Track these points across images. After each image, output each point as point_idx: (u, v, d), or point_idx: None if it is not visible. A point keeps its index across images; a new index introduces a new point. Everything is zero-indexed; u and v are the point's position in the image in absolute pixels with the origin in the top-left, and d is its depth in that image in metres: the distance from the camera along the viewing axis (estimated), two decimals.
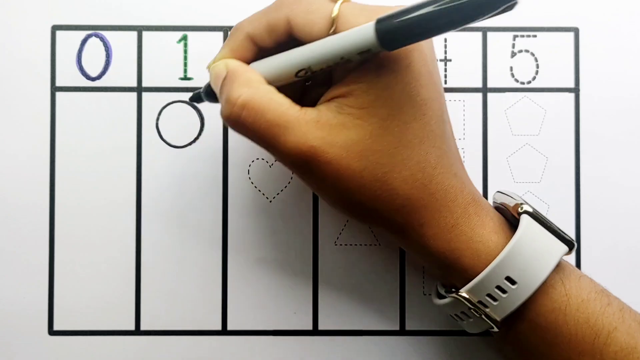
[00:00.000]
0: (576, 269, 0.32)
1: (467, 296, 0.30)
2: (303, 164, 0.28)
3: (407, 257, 0.38)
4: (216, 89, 0.30)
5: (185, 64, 0.38)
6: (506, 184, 0.38)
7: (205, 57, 0.38)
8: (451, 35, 0.38)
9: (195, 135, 0.38)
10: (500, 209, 0.32)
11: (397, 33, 0.26)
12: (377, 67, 0.28)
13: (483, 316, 0.30)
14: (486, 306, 0.30)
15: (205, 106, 0.38)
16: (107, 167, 0.38)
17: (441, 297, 0.33)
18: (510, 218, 0.32)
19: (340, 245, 0.38)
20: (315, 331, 0.37)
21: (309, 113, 0.29)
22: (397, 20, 0.26)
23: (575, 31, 0.38)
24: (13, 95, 0.38)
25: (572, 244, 0.31)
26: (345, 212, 0.31)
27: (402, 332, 0.37)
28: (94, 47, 0.38)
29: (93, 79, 0.38)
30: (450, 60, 0.38)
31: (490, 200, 0.35)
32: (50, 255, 0.37)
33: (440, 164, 0.30)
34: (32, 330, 0.37)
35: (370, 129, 0.28)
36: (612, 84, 0.38)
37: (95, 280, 0.37)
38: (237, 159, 0.38)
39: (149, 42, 0.38)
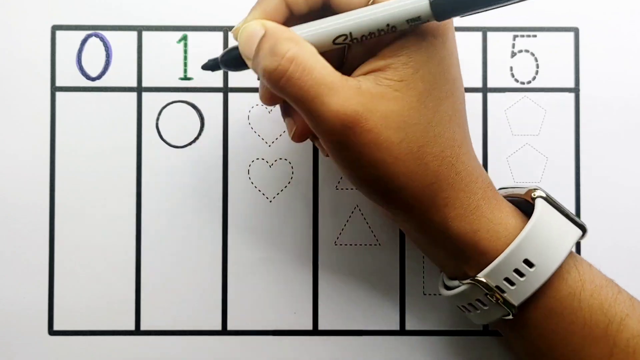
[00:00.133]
0: (585, 260, 0.32)
1: (485, 280, 0.30)
2: (343, 130, 0.28)
3: (407, 257, 0.38)
4: (250, 48, 0.29)
5: (185, 64, 0.38)
6: (506, 184, 0.38)
7: (206, 57, 0.38)
8: None
9: (195, 135, 0.38)
10: (510, 199, 0.33)
11: (450, 2, 0.26)
12: (416, 40, 0.28)
13: (500, 302, 0.30)
14: (503, 291, 0.30)
15: (205, 106, 0.38)
16: (107, 167, 0.38)
17: (448, 288, 0.33)
18: (522, 206, 0.32)
19: (340, 245, 0.38)
20: (315, 331, 0.37)
21: (350, 80, 0.28)
22: None
23: (575, 31, 0.38)
24: (13, 95, 0.38)
25: (585, 229, 0.31)
26: (373, 189, 0.30)
27: (402, 332, 0.37)
28: (94, 47, 0.38)
29: (93, 79, 0.38)
30: None
31: None
32: (50, 255, 0.37)
33: (465, 144, 0.30)
34: (32, 330, 0.37)
35: (409, 101, 0.28)
36: (612, 84, 0.38)
37: (95, 280, 0.37)
38: (237, 159, 0.38)
39: (149, 42, 0.38)
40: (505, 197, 0.33)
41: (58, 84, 0.38)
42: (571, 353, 0.30)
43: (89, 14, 0.38)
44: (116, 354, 0.37)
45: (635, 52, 0.38)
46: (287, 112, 0.32)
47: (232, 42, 0.39)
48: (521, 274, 0.30)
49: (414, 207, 0.30)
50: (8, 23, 0.38)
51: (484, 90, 0.38)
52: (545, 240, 0.30)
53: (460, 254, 0.31)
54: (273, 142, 0.38)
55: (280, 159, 0.38)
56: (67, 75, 0.38)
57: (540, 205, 0.31)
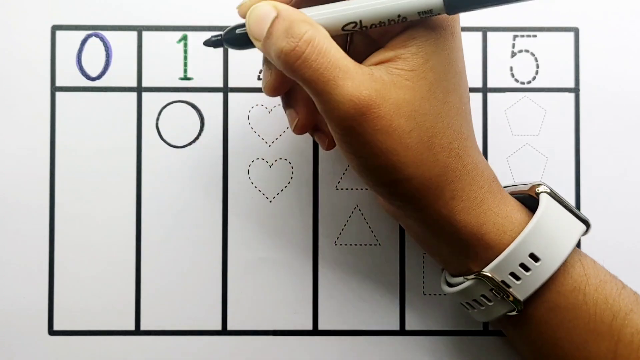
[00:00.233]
0: (589, 256, 0.32)
1: (491, 275, 0.30)
2: (356, 115, 0.27)
3: (407, 257, 0.38)
4: (261, 29, 0.28)
5: (185, 64, 0.38)
6: (506, 184, 0.38)
7: (206, 57, 0.38)
8: None
9: (195, 135, 0.38)
10: (514, 196, 0.33)
11: None
12: (426, 31, 0.29)
13: (505, 297, 0.30)
14: (509, 286, 0.30)
15: (205, 106, 0.38)
16: (107, 167, 0.38)
17: (450, 286, 0.33)
18: (527, 201, 0.32)
19: (340, 245, 0.38)
20: (315, 331, 0.37)
21: (362, 67, 0.28)
22: None
23: (575, 31, 0.38)
24: (13, 95, 0.38)
25: (589, 224, 0.31)
26: (381, 179, 0.30)
27: (402, 332, 0.37)
28: (94, 47, 0.38)
29: (93, 79, 0.38)
30: None
31: None
32: (50, 255, 0.37)
33: (470, 138, 0.31)
34: (32, 330, 0.37)
35: (420, 91, 0.28)
36: (612, 84, 0.38)
37: (95, 280, 0.37)
38: (237, 159, 0.38)
39: (149, 42, 0.38)
40: (510, 193, 0.33)
41: (58, 84, 0.38)
42: (575, 348, 0.30)
43: (89, 14, 0.38)
44: (116, 354, 0.37)
45: (635, 52, 0.38)
46: (288, 104, 0.32)
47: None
48: (527, 268, 0.30)
49: (420, 199, 0.30)
50: (8, 23, 0.38)
51: (484, 90, 0.38)
52: (550, 234, 0.30)
53: (465, 248, 0.31)
54: (273, 142, 0.38)
55: (280, 159, 0.38)
56: (67, 75, 0.38)
57: (545, 200, 0.31)
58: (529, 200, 0.32)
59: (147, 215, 0.38)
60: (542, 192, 0.31)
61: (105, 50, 0.38)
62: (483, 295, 0.31)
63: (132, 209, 0.38)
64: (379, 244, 0.38)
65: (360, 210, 0.38)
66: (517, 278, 0.30)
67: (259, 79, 0.38)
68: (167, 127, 0.38)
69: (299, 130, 0.32)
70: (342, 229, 0.38)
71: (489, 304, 0.31)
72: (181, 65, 0.38)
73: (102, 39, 0.38)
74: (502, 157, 0.38)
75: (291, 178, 0.38)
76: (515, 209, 0.31)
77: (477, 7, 0.27)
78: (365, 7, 0.28)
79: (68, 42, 0.38)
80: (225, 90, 0.38)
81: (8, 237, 0.37)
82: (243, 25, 0.29)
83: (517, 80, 0.38)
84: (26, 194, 0.38)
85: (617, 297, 0.30)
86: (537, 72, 0.38)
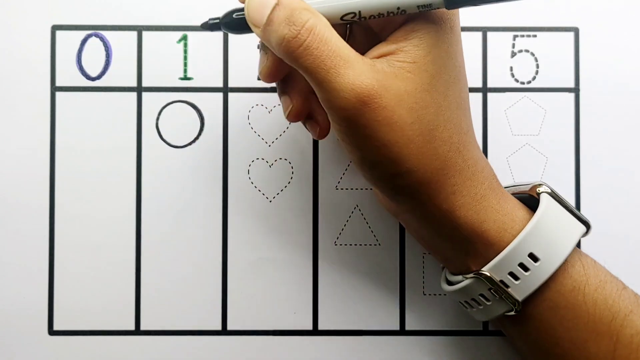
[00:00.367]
0: (589, 255, 0.32)
1: (490, 274, 0.30)
2: (358, 105, 0.27)
3: (407, 257, 0.38)
4: (261, 16, 0.28)
5: (185, 64, 0.38)
6: (506, 184, 0.38)
7: (206, 57, 0.38)
8: None
9: (195, 135, 0.38)
10: (514, 195, 0.33)
11: None
12: (426, 24, 0.29)
13: (504, 297, 0.30)
14: (507, 286, 0.30)
15: (205, 106, 0.38)
16: (107, 167, 0.38)
17: (450, 284, 0.33)
18: (527, 201, 0.32)
19: (340, 245, 0.38)
20: (315, 331, 0.37)
21: (364, 57, 0.28)
22: None
23: (575, 31, 0.38)
24: (13, 95, 0.38)
25: (589, 225, 0.31)
26: (381, 172, 0.30)
27: (401, 332, 0.37)
28: (94, 47, 0.38)
29: (93, 79, 0.38)
30: None
31: None
32: (50, 255, 0.37)
33: (470, 133, 0.31)
34: (32, 330, 0.37)
35: (421, 83, 0.28)
36: (612, 84, 0.38)
37: (95, 280, 0.37)
38: (237, 159, 0.38)
39: (149, 42, 0.38)
40: (510, 193, 0.33)
41: (58, 84, 0.38)
42: (574, 347, 0.30)
43: (89, 14, 0.38)
44: (116, 354, 0.37)
45: (635, 52, 0.38)
46: (284, 90, 0.32)
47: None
48: (526, 268, 0.30)
49: (421, 193, 0.29)
50: (8, 23, 0.38)
51: (484, 90, 0.38)
52: (550, 234, 0.30)
53: (465, 245, 0.31)
54: (273, 142, 0.38)
55: (280, 159, 0.38)
56: (67, 75, 0.38)
57: (545, 200, 0.31)
58: (529, 201, 0.32)
59: (147, 215, 0.38)
60: (542, 192, 0.31)
61: (105, 50, 0.38)
62: (482, 295, 0.31)
63: (132, 209, 0.38)
64: (379, 244, 0.38)
65: (360, 210, 0.38)
66: (516, 278, 0.30)
67: (259, 79, 0.38)
68: (167, 127, 0.38)
69: (292, 117, 0.32)
70: (342, 229, 0.38)
71: (488, 303, 0.31)
72: (181, 65, 0.38)
73: (102, 39, 0.38)
74: (502, 157, 0.38)
75: (291, 178, 0.38)
76: (516, 207, 0.31)
77: (476, 3, 0.27)
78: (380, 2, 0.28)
79: (68, 42, 0.38)
80: (225, 90, 0.38)
81: (8, 237, 0.37)
82: (241, 10, 0.29)
83: (517, 80, 0.38)
84: (26, 194, 0.38)
85: (617, 297, 0.30)
86: (537, 72, 0.38)
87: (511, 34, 0.38)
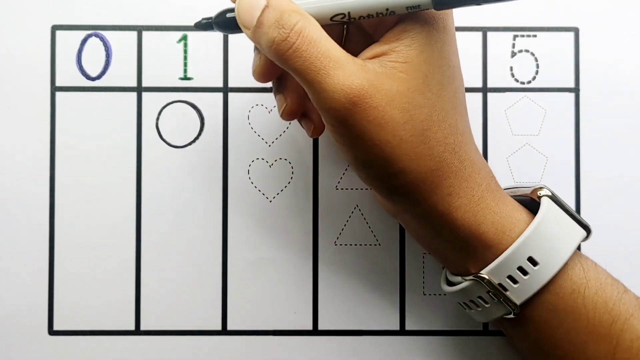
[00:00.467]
0: (589, 257, 0.32)
1: (488, 277, 0.30)
2: (348, 105, 0.27)
3: (407, 257, 0.38)
4: (251, 18, 0.28)
5: (185, 64, 0.38)
6: (506, 184, 0.38)
7: (206, 57, 0.38)
8: None
9: (195, 135, 0.38)
10: (515, 197, 0.32)
11: None
12: (418, 24, 0.29)
13: (502, 300, 0.30)
14: (506, 289, 0.30)
15: (205, 106, 0.38)
16: (107, 167, 0.38)
17: (450, 284, 0.33)
18: (527, 204, 0.32)
19: (340, 245, 0.38)
20: (315, 331, 0.37)
21: (354, 58, 0.28)
22: None
23: (575, 31, 0.38)
24: (13, 95, 0.38)
25: (590, 230, 0.31)
26: (375, 172, 0.29)
27: (401, 332, 0.37)
28: (94, 47, 0.38)
29: (93, 79, 0.38)
30: None
31: None
32: (50, 255, 0.37)
33: (467, 134, 0.30)
34: (32, 330, 0.37)
35: (414, 83, 0.28)
36: (612, 84, 0.38)
37: (95, 280, 0.37)
38: (237, 159, 0.38)
39: (149, 42, 0.38)
40: (510, 195, 0.33)
41: (58, 84, 0.38)
42: (574, 350, 0.30)
43: (89, 14, 0.38)
44: (116, 354, 0.37)
45: (635, 52, 0.38)
46: (278, 89, 0.32)
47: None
48: (525, 272, 0.30)
49: (416, 193, 0.29)
50: (8, 23, 0.38)
51: (484, 90, 0.38)
52: (550, 238, 0.30)
53: (464, 247, 0.30)
54: (273, 142, 0.38)
55: (280, 159, 0.38)
56: (67, 75, 0.38)
57: (546, 204, 0.31)
58: (529, 203, 0.32)
59: (147, 215, 0.38)
60: (543, 195, 0.31)
61: (105, 50, 0.38)
62: (480, 297, 0.31)
63: (132, 209, 0.38)
64: (379, 244, 0.38)
65: (360, 210, 0.38)
66: (515, 281, 0.30)
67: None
68: (167, 127, 0.38)
69: (286, 115, 0.32)
70: (342, 229, 0.38)
71: (486, 305, 0.31)
72: (181, 65, 0.38)
73: (102, 39, 0.38)
74: (502, 157, 0.38)
75: (291, 178, 0.38)
76: (515, 209, 0.31)
77: (464, 4, 0.27)
78: (354, 0, 0.28)
79: (68, 42, 0.38)
80: (225, 90, 0.38)
81: (8, 237, 0.37)
82: (233, 10, 0.29)
83: (517, 80, 0.38)
84: (26, 194, 0.38)
85: (618, 301, 0.30)
86: (537, 72, 0.38)
87: (511, 34, 0.38)
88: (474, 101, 0.38)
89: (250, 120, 0.38)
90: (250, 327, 0.37)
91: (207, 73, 0.38)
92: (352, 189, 0.38)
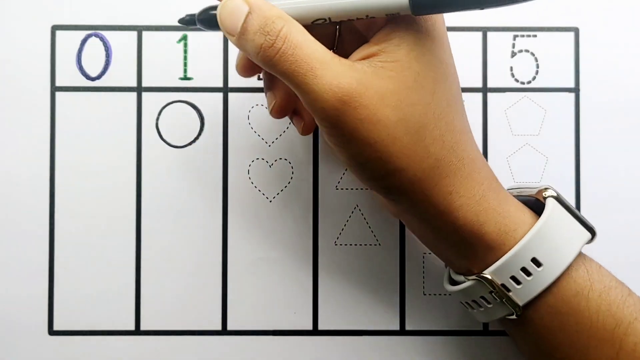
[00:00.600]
0: (594, 260, 0.32)
1: (491, 277, 0.30)
2: (338, 105, 0.27)
3: (407, 257, 0.38)
4: (234, 24, 0.28)
5: (185, 64, 0.38)
6: (506, 184, 0.38)
7: (206, 57, 0.38)
8: (451, 35, 0.38)
9: (195, 135, 0.38)
10: (519, 198, 0.32)
11: (430, 2, 0.27)
12: (406, 24, 0.28)
13: (504, 300, 0.30)
14: (509, 290, 0.30)
15: (205, 106, 0.38)
16: (107, 167, 0.38)
17: (454, 283, 0.33)
18: (531, 204, 0.31)
19: (340, 245, 0.38)
20: (315, 331, 0.37)
21: (342, 58, 0.28)
22: None
23: (575, 31, 0.38)
24: (13, 95, 0.38)
25: (595, 232, 0.31)
26: (371, 172, 0.29)
27: (402, 332, 0.37)
28: (94, 47, 0.38)
29: (93, 79, 0.38)
30: None
31: None
32: (50, 255, 0.37)
33: (464, 132, 0.30)
34: (32, 330, 0.37)
35: (404, 81, 0.28)
36: (612, 84, 0.38)
37: (95, 280, 0.37)
38: (237, 159, 0.38)
39: (149, 42, 0.38)
40: (514, 196, 0.32)
41: (58, 84, 0.38)
42: (576, 353, 0.30)
43: (89, 14, 0.38)
44: (116, 354, 0.37)
45: (635, 52, 0.38)
46: (268, 87, 0.32)
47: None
48: (528, 273, 0.29)
49: (415, 192, 0.29)
50: (8, 23, 0.38)
51: (484, 90, 0.38)
52: (554, 240, 0.29)
53: (466, 247, 0.30)
54: (273, 142, 0.38)
55: (280, 159, 0.38)
56: (67, 75, 0.38)
57: (551, 205, 0.30)
58: (534, 204, 0.32)
59: (147, 215, 0.38)
60: (549, 196, 0.31)
61: (105, 50, 0.38)
62: (483, 297, 0.31)
63: (132, 209, 0.38)
64: (379, 244, 0.38)
65: (360, 210, 0.38)
66: (518, 282, 0.29)
67: (259, 78, 0.38)
68: (167, 127, 0.38)
69: (275, 113, 0.32)
70: (342, 229, 0.38)
71: (489, 305, 0.31)
72: (181, 65, 0.38)
73: (102, 39, 0.38)
74: (502, 157, 0.38)
75: (291, 178, 0.38)
76: (519, 209, 0.31)
77: (443, 10, 0.27)
78: (334, 5, 0.28)
79: (68, 42, 0.38)
80: (225, 90, 0.38)
81: (8, 237, 0.37)
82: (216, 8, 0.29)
83: (517, 80, 0.38)
84: (26, 194, 0.38)
85: (622, 304, 0.30)
86: (537, 72, 0.38)
87: (511, 34, 0.38)
88: (474, 101, 0.38)
89: (250, 120, 0.38)
90: (250, 327, 0.37)
91: (207, 73, 0.38)
92: (352, 189, 0.38)
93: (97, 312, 0.37)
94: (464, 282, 0.31)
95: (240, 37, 0.28)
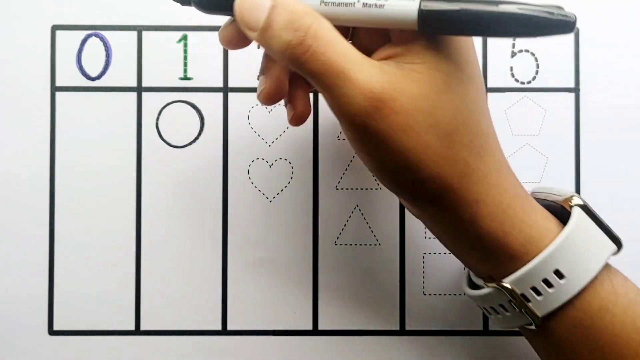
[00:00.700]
0: (619, 271, 0.30)
1: (511, 287, 0.28)
2: (371, 109, 0.25)
3: (407, 257, 0.38)
4: (256, 19, 0.26)
5: (185, 64, 0.38)
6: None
7: (206, 57, 0.38)
8: None
9: (195, 135, 0.38)
10: (543, 204, 0.31)
11: (440, 22, 0.25)
12: None
13: (523, 310, 0.29)
14: (528, 300, 0.28)
15: (205, 106, 0.38)
16: (107, 167, 0.38)
17: (474, 287, 0.32)
18: (557, 212, 0.30)
19: (340, 245, 0.38)
20: (315, 331, 0.37)
21: (371, 59, 0.26)
22: (443, 9, 0.25)
23: (576, 31, 0.38)
24: (13, 95, 0.38)
25: (621, 244, 0.29)
26: (399, 180, 0.28)
27: (402, 332, 0.37)
28: (94, 47, 0.38)
29: (93, 79, 0.38)
30: None
31: None
32: (50, 255, 0.37)
33: (492, 136, 0.28)
34: (32, 330, 0.37)
35: (435, 84, 0.26)
36: (612, 84, 0.38)
37: (95, 280, 0.37)
38: (237, 159, 0.38)
39: (149, 42, 0.38)
40: (538, 200, 0.31)
41: (58, 84, 0.38)
42: None
43: (89, 14, 0.38)
44: (116, 354, 0.37)
45: (635, 52, 0.38)
46: (262, 71, 0.30)
47: None
48: (550, 285, 0.28)
49: (442, 200, 0.27)
50: (8, 23, 0.38)
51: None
52: (579, 251, 0.28)
53: (488, 255, 0.29)
54: (273, 142, 0.38)
55: (280, 159, 0.38)
56: (67, 75, 0.38)
57: (577, 214, 0.29)
58: (560, 211, 0.30)
59: (147, 215, 0.38)
60: (575, 204, 0.29)
61: (105, 50, 0.38)
62: (501, 305, 0.30)
63: (132, 209, 0.38)
64: (379, 244, 0.38)
65: (360, 210, 0.38)
66: (539, 293, 0.28)
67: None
68: (167, 127, 0.38)
69: (262, 98, 0.30)
70: (342, 229, 0.38)
71: (507, 314, 0.30)
72: (181, 65, 0.38)
73: (102, 39, 0.38)
74: None
75: (291, 178, 0.38)
76: (545, 218, 0.29)
77: (452, 33, 0.26)
78: (350, 17, 0.26)
79: (68, 42, 0.38)
80: (225, 90, 0.38)
81: (8, 237, 0.37)
82: None
83: (517, 80, 0.38)
84: (26, 194, 0.38)
85: None
86: (537, 72, 0.38)
87: None
88: None
89: (250, 120, 0.38)
90: (250, 327, 0.37)
91: (207, 73, 0.38)
92: (352, 189, 0.38)
93: (97, 312, 0.37)
94: (484, 286, 0.30)
95: (264, 33, 0.26)
